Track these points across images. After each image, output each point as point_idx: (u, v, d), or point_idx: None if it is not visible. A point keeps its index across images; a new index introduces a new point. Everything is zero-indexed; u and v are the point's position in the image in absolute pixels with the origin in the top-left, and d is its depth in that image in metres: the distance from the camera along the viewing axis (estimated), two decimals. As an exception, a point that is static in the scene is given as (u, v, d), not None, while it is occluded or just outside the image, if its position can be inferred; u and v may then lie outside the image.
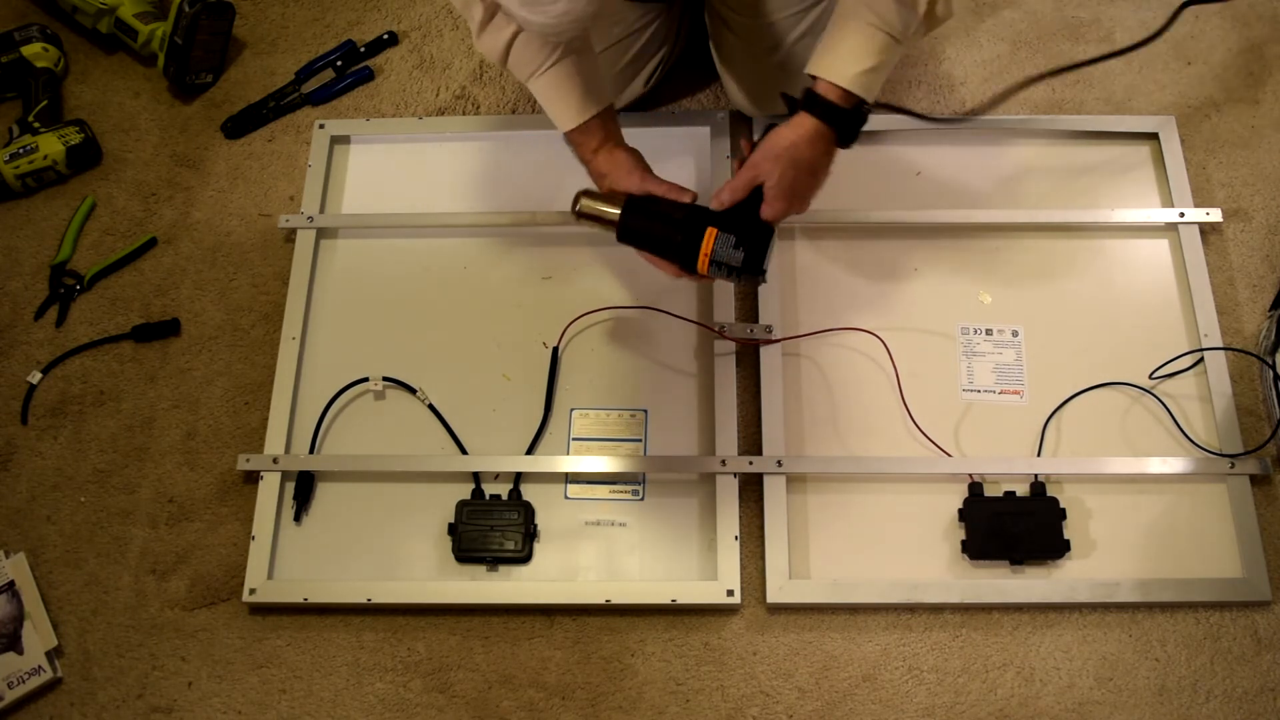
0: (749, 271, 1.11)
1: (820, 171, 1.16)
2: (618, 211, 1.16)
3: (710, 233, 1.10)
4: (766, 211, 1.12)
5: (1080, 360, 1.32)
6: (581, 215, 1.18)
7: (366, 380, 1.33)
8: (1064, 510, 1.23)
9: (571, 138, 1.22)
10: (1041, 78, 1.33)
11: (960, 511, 1.24)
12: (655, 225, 1.14)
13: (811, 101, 1.11)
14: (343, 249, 1.44)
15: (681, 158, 1.47)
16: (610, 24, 1.37)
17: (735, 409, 1.29)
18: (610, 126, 1.22)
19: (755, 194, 1.12)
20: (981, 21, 1.59)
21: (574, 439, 1.30)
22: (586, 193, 1.19)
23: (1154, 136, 1.45)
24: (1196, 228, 1.39)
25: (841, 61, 1.09)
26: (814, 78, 1.11)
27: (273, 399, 1.33)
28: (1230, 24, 1.58)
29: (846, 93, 1.09)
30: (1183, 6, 1.37)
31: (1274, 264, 1.40)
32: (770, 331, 1.32)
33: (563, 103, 1.19)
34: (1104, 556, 1.23)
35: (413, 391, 1.33)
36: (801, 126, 1.11)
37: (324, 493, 1.29)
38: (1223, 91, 1.48)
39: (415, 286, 1.40)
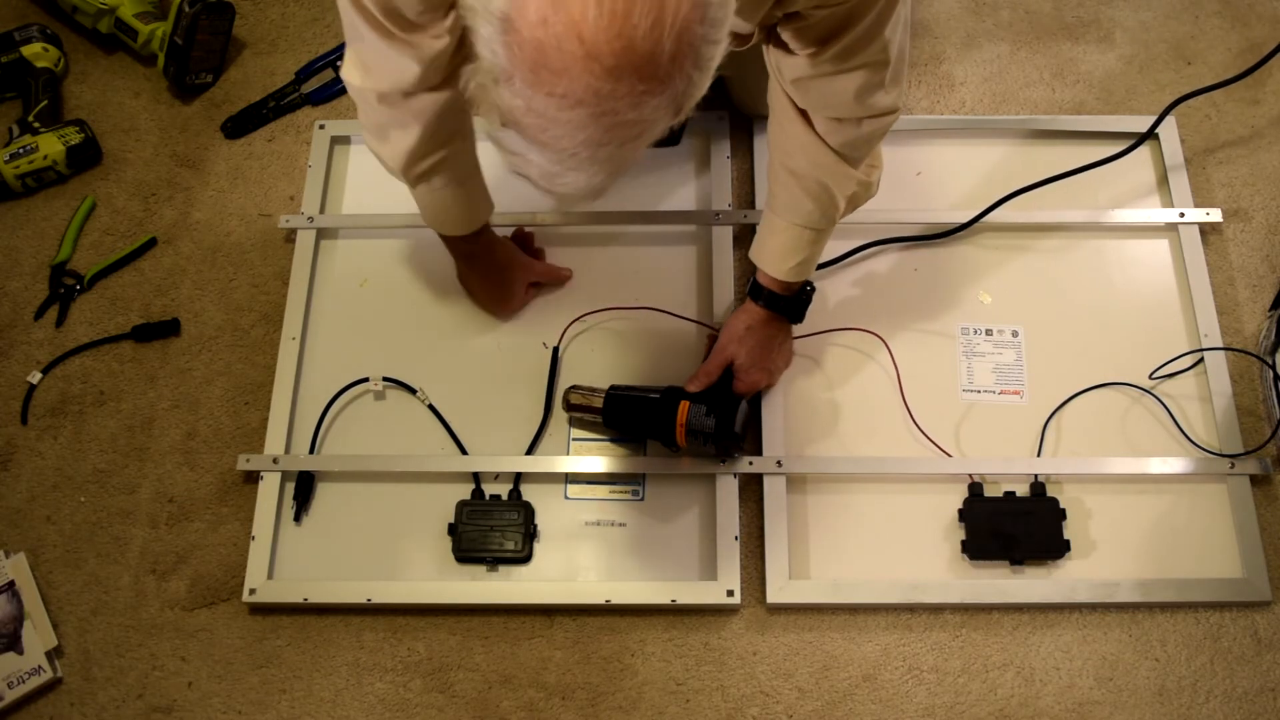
0: (722, 437, 1.20)
1: (782, 345, 1.28)
2: (601, 402, 1.26)
3: (684, 405, 1.21)
4: (739, 385, 1.23)
5: (1080, 360, 1.32)
6: (572, 408, 1.28)
7: (366, 380, 1.33)
8: (1064, 510, 1.23)
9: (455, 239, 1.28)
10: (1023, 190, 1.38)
11: (960, 511, 1.24)
12: (636, 408, 1.25)
13: (756, 291, 1.23)
14: (343, 249, 1.44)
15: (682, 161, 1.47)
16: None
17: (735, 409, 1.29)
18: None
19: (725, 374, 1.23)
20: (981, 21, 1.59)
21: (574, 439, 1.30)
22: (573, 389, 1.29)
23: (1154, 136, 1.45)
24: (1196, 228, 1.39)
25: (773, 257, 1.19)
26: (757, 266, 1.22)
27: (273, 399, 1.32)
28: (1230, 24, 1.58)
29: (785, 283, 1.20)
30: (1169, 108, 1.42)
31: (1274, 264, 1.40)
32: (770, 332, 1.33)
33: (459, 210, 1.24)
34: (1104, 556, 1.23)
35: (413, 391, 1.33)
36: (754, 313, 1.23)
37: (324, 493, 1.29)
38: (1223, 91, 1.48)
39: (415, 286, 1.40)
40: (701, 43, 0.65)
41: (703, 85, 0.68)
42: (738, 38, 1.00)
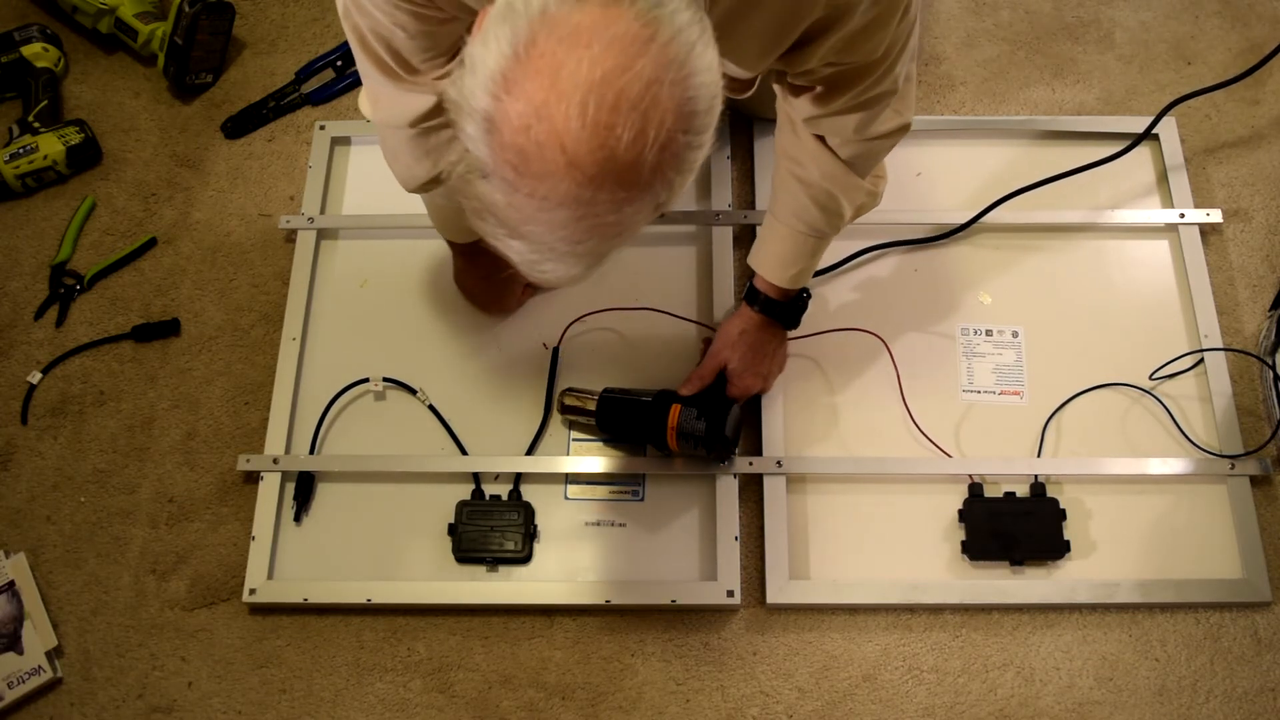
0: (713, 441, 1.20)
1: (776, 350, 1.27)
2: (595, 405, 1.27)
3: (674, 409, 1.21)
4: (732, 390, 1.23)
5: (1080, 361, 1.32)
6: (566, 410, 1.29)
7: (366, 380, 1.33)
8: (1064, 511, 1.23)
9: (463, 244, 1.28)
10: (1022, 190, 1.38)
11: (960, 512, 1.24)
12: (628, 411, 1.25)
13: (753, 296, 1.22)
14: (343, 249, 1.44)
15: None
16: None
17: (735, 409, 1.29)
18: None
19: (719, 378, 1.24)
20: (981, 21, 1.59)
21: (574, 439, 1.30)
22: (568, 391, 1.29)
23: (1154, 136, 1.45)
24: (1196, 228, 1.39)
25: (773, 263, 1.19)
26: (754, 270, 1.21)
27: (273, 399, 1.32)
28: (1230, 24, 1.58)
29: (783, 289, 1.20)
30: (1168, 108, 1.43)
31: (1274, 264, 1.40)
32: (770, 332, 1.33)
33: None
34: (1104, 557, 1.23)
35: (413, 392, 1.33)
36: (749, 317, 1.23)
37: (324, 493, 1.29)
38: (1223, 92, 1.48)
39: (415, 286, 1.40)
40: (685, 149, 0.65)
41: (684, 184, 0.68)
42: (738, 83, 1.00)
